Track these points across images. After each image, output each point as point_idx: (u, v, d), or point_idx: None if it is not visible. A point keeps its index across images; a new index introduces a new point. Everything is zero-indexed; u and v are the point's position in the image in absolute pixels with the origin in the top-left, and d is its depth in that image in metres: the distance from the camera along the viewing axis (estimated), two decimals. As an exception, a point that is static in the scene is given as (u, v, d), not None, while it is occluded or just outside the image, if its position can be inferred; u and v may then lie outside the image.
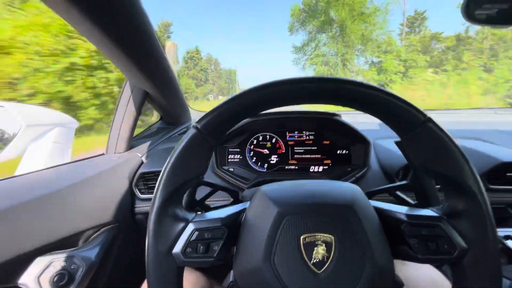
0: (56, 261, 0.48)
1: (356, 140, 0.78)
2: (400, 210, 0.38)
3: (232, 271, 0.42)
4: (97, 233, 0.61)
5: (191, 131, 0.34)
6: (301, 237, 0.33)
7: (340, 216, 0.34)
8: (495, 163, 0.67)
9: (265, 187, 0.41)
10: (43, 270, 0.46)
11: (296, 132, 0.83)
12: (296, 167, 0.81)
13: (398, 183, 0.49)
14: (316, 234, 0.33)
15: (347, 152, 0.80)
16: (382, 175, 0.76)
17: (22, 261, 0.46)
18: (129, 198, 0.73)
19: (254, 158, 0.82)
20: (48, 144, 0.78)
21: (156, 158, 0.84)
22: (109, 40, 0.57)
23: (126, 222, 0.70)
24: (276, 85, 0.34)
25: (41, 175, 0.64)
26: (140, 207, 0.74)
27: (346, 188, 0.39)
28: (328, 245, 0.33)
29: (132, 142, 0.92)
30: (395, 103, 0.32)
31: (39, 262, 0.47)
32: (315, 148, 0.81)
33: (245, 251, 0.36)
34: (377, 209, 0.38)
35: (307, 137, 0.82)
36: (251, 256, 0.34)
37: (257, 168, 0.82)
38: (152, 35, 0.63)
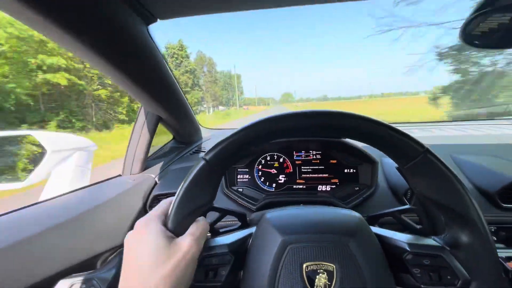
0: (76, 284, 0.51)
1: (363, 159, 0.78)
2: (403, 238, 0.39)
3: None
4: (113, 255, 0.64)
5: (200, 163, 0.36)
6: (304, 265, 0.35)
7: (342, 245, 0.36)
8: (507, 181, 0.66)
9: (270, 215, 0.43)
10: (65, 293, 0.50)
11: (303, 151, 0.84)
12: (304, 187, 0.82)
13: (401, 207, 0.49)
14: (318, 263, 0.35)
15: (354, 171, 0.80)
16: (390, 194, 0.76)
17: (47, 284, 0.49)
18: None
19: (263, 178, 0.84)
20: (71, 168, 0.83)
21: (169, 179, 0.87)
22: (122, 73, 0.61)
23: None
24: (284, 119, 0.36)
25: (63, 200, 0.69)
26: None
27: (349, 217, 0.41)
28: (329, 273, 0.34)
29: (147, 162, 0.97)
30: (392, 134, 0.33)
31: (62, 285, 0.50)
32: (322, 167, 0.82)
33: (251, 277, 0.38)
34: (379, 237, 0.39)
35: (314, 156, 0.83)
36: (256, 282, 0.36)
37: (265, 187, 0.83)
38: (162, 63, 0.68)
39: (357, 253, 0.35)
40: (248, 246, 0.43)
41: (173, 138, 1.23)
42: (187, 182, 0.35)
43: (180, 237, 0.34)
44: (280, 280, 0.34)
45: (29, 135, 0.76)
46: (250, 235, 0.44)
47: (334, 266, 0.34)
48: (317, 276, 0.34)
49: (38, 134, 0.77)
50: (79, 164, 0.87)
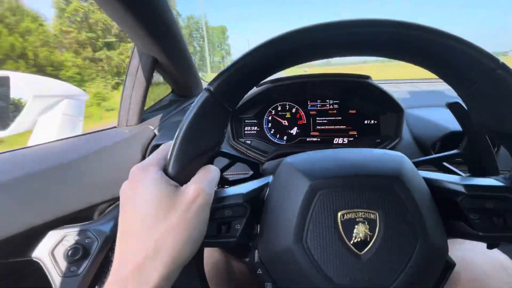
0: (69, 235, 0.46)
1: (387, 108, 0.70)
2: (456, 180, 0.32)
3: (256, 252, 0.37)
4: (111, 206, 0.59)
5: (203, 95, 0.27)
6: (339, 214, 0.28)
7: (386, 189, 0.29)
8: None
9: (291, 158, 0.36)
10: (57, 244, 0.44)
11: (318, 101, 0.75)
12: (319, 139, 0.75)
13: (448, 153, 0.42)
14: (357, 210, 0.28)
15: (375, 122, 0.72)
16: (415, 147, 0.68)
17: (34, 235, 0.44)
18: None
19: (273, 130, 0.76)
20: (58, 117, 0.75)
21: (169, 130, 0.80)
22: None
23: None
24: (315, 31, 0.26)
25: (52, 146, 0.62)
26: None
27: (391, 157, 0.33)
28: (371, 222, 0.27)
29: (144, 115, 0.88)
30: (461, 48, 0.24)
31: (52, 236, 0.45)
32: (340, 118, 0.74)
33: (271, 231, 0.31)
34: (427, 180, 0.32)
35: (331, 106, 0.74)
36: (279, 236, 0.30)
37: (275, 140, 0.76)
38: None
39: (404, 198, 0.28)
40: (265, 196, 0.36)
41: (172, 91, 1.13)
42: (189, 119, 0.27)
43: (186, 185, 0.27)
44: (309, 231, 0.28)
45: (8, 77, 0.66)
46: (266, 184, 0.37)
47: (377, 214, 0.28)
48: (356, 226, 0.27)
49: (16, 76, 0.67)
50: (68, 113, 0.78)
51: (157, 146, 0.71)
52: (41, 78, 0.75)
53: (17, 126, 0.70)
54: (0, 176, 0.44)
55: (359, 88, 0.71)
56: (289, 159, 0.36)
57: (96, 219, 0.53)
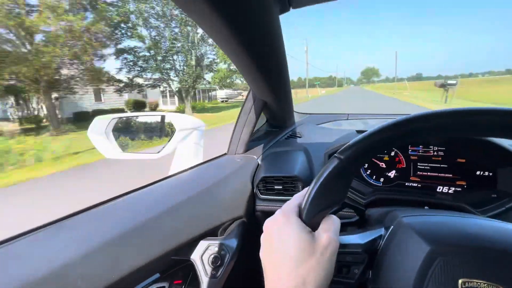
0: (211, 246, 0.61)
1: (506, 161, 0.65)
2: None
3: None
4: (231, 225, 0.73)
5: (335, 161, 0.36)
6: (460, 281, 0.31)
7: (510, 264, 0.31)
8: None
9: (409, 219, 0.41)
10: (204, 251, 0.60)
11: (420, 146, 0.75)
12: (419, 185, 0.74)
13: None
14: (480, 281, 0.31)
15: (490, 174, 0.68)
16: None
17: (192, 243, 0.61)
18: (251, 197, 0.84)
19: (369, 170, 0.80)
20: (191, 144, 0.97)
21: (270, 162, 0.93)
22: (246, 58, 0.62)
23: (250, 218, 0.81)
24: (441, 116, 0.33)
25: (189, 175, 0.82)
26: (260, 205, 0.84)
27: None
28: None
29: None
30: None
31: (202, 245, 0.61)
32: (445, 166, 0.72)
33: (388, 281, 0.37)
34: None
35: (435, 153, 0.73)
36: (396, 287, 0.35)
37: (371, 181, 0.79)
38: (283, 52, 0.69)
39: None
40: (378, 246, 0.42)
41: (266, 121, 1.29)
42: (322, 178, 0.36)
43: (318, 232, 0.35)
44: None
45: (164, 115, 0.91)
46: (380, 236, 0.43)
47: None
48: None
49: (169, 115, 0.91)
50: (195, 141, 1.00)
51: (264, 178, 0.85)
52: (181, 115, 0.99)
53: (165, 151, 0.94)
54: (173, 197, 0.63)
55: (469, 139, 0.68)
56: (406, 219, 0.41)
57: (225, 235, 0.68)
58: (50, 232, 0.49)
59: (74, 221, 0.53)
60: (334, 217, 0.38)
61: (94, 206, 0.58)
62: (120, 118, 0.95)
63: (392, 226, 0.42)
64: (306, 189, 0.40)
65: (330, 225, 0.36)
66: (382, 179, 0.78)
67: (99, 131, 0.94)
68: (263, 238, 0.39)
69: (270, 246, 0.36)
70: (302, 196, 0.40)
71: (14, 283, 0.38)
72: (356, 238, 0.42)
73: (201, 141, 1.05)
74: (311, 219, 0.36)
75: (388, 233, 0.42)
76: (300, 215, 0.37)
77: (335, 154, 0.36)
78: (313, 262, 0.33)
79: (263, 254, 0.38)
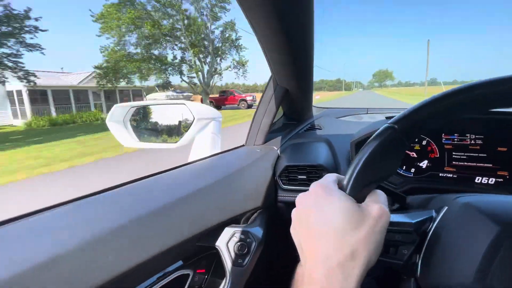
0: (237, 233, 0.58)
1: None
2: None
3: (413, 281, 0.40)
4: (254, 215, 0.70)
5: (387, 130, 0.33)
6: None
7: None
8: None
9: (468, 199, 0.37)
10: (230, 238, 0.57)
11: (455, 134, 0.71)
12: (455, 176, 0.70)
13: None
14: None
15: None
16: None
17: (217, 229, 0.58)
18: (273, 187, 0.81)
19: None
20: (209, 135, 0.95)
21: (291, 153, 0.89)
22: (276, 38, 0.59)
23: (272, 208, 0.78)
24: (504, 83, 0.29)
25: (208, 162, 0.79)
26: (282, 196, 0.81)
27: None
28: None
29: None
30: None
31: (227, 232, 0.58)
32: (485, 155, 0.67)
33: (444, 265, 0.33)
34: None
35: (472, 141, 0.69)
36: (454, 272, 0.31)
37: (401, 171, 0.75)
38: (312, 38, 0.66)
39: None
40: (428, 229, 0.38)
41: (283, 114, 1.26)
42: (372, 148, 0.32)
43: (366, 204, 0.32)
44: (495, 274, 0.28)
45: (184, 104, 0.89)
46: (430, 218, 0.39)
47: None
48: None
49: (189, 104, 0.89)
50: (214, 132, 0.98)
51: (287, 167, 0.81)
52: (200, 104, 0.97)
53: (183, 141, 0.92)
54: (194, 182, 0.60)
55: (510, 125, 0.64)
56: (465, 199, 0.37)
57: (250, 223, 0.65)
58: (72, 210, 0.47)
59: (95, 200, 0.51)
60: (380, 191, 0.35)
61: (114, 187, 0.56)
62: (140, 106, 0.94)
63: (446, 207, 0.38)
64: (334, 174, 0.37)
65: (380, 198, 0.33)
66: (413, 170, 0.74)
67: (118, 119, 0.93)
68: (295, 213, 0.36)
69: (307, 219, 0.33)
70: (336, 176, 0.37)
71: (28, 261, 0.35)
72: (405, 217, 0.39)
73: (218, 132, 1.03)
74: (356, 193, 0.33)
75: (441, 215, 0.38)
76: (342, 188, 0.34)
77: (388, 123, 0.33)
78: (363, 233, 0.29)
79: (297, 229, 0.34)
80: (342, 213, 0.30)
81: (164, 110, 1.00)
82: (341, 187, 0.34)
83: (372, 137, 0.34)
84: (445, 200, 0.41)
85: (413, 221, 0.38)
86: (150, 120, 1.01)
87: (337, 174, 0.38)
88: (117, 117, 0.92)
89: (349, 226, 0.30)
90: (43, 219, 0.43)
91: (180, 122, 0.97)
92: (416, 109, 0.33)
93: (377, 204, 0.32)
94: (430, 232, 0.38)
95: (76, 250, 0.37)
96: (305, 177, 0.78)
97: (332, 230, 0.30)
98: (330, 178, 0.37)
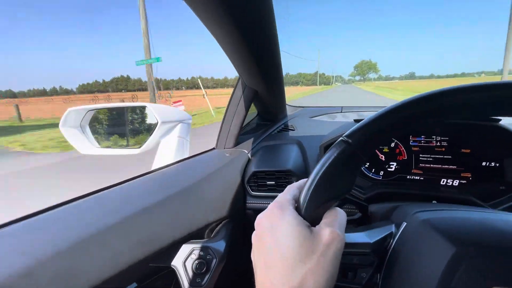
0: (196, 250, 0.54)
1: None
2: None
3: None
4: (218, 226, 0.66)
5: (341, 145, 0.30)
6: None
7: None
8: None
9: (425, 215, 0.35)
10: (187, 257, 0.53)
11: (422, 136, 0.70)
12: (422, 178, 0.69)
13: None
14: None
15: (497, 165, 0.63)
16: None
17: (173, 247, 0.53)
18: (242, 194, 0.77)
19: (368, 163, 0.74)
20: (175, 138, 0.89)
21: (262, 156, 0.86)
22: (234, 38, 0.56)
23: (239, 217, 0.75)
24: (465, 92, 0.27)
25: (171, 171, 0.74)
26: (251, 203, 0.77)
27: None
28: None
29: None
30: None
31: (184, 249, 0.54)
32: (449, 157, 0.67)
33: (404, 285, 0.31)
34: None
35: (438, 143, 0.68)
36: None
37: (370, 174, 0.74)
38: (275, 36, 0.62)
39: None
40: (388, 246, 0.36)
41: (257, 114, 1.22)
42: (326, 165, 0.30)
43: (319, 228, 0.29)
44: None
45: (145, 106, 0.83)
46: (390, 234, 0.37)
47: None
48: None
49: (151, 106, 0.83)
50: (181, 135, 0.92)
51: (255, 173, 0.78)
52: (165, 106, 0.91)
53: (146, 146, 0.86)
54: (141, 200, 0.55)
55: (473, 127, 0.63)
56: (422, 215, 0.35)
57: (212, 238, 0.61)
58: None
59: (36, 221, 0.45)
60: (338, 209, 0.32)
61: (58, 205, 0.50)
62: (97, 109, 0.86)
63: (405, 223, 0.36)
64: (302, 180, 0.34)
65: (334, 219, 0.30)
66: (381, 172, 0.73)
67: (73, 124, 0.85)
68: (254, 236, 0.33)
69: (262, 245, 0.30)
70: (297, 188, 0.34)
71: None
72: (363, 237, 0.36)
73: (186, 135, 0.98)
74: (311, 213, 0.30)
75: (400, 231, 0.36)
76: (297, 208, 0.31)
77: (342, 138, 0.30)
78: (312, 263, 0.27)
79: (254, 254, 0.31)
80: (293, 241, 0.27)
81: (124, 113, 0.93)
82: (298, 205, 0.32)
83: (327, 152, 0.31)
84: (405, 213, 0.39)
85: (371, 241, 0.36)
86: (111, 123, 0.93)
87: (298, 186, 0.35)
88: (72, 122, 0.85)
89: (298, 256, 0.27)
90: None
91: (142, 125, 0.91)
92: (371, 121, 0.30)
93: (329, 228, 0.29)
94: (390, 249, 0.36)
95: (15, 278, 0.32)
96: (273, 182, 0.76)
97: (282, 260, 0.27)
98: (288, 195, 0.33)
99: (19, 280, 0.34)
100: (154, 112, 0.84)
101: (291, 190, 0.34)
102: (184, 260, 0.53)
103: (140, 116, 0.88)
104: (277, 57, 0.71)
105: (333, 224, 0.29)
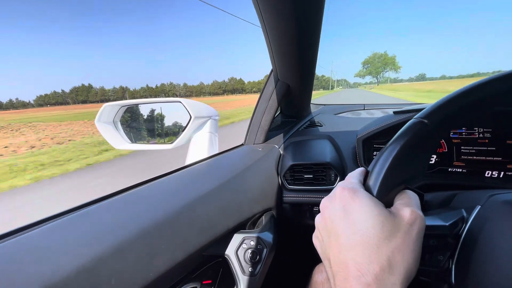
0: (246, 240, 0.54)
1: None
2: None
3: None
4: (261, 218, 0.66)
5: (416, 125, 0.30)
6: None
7: None
8: None
9: (505, 197, 0.34)
10: (239, 246, 0.53)
11: (463, 128, 0.69)
12: (464, 170, 0.68)
13: None
14: None
15: None
16: None
17: (225, 237, 0.53)
18: (278, 187, 0.77)
19: None
20: (206, 134, 0.90)
21: (294, 151, 0.86)
22: (284, 28, 0.57)
23: (278, 209, 0.74)
24: None
25: (209, 164, 0.74)
26: (287, 197, 0.77)
27: None
28: None
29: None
30: None
31: (235, 239, 0.54)
32: (493, 148, 0.66)
33: (484, 270, 0.30)
34: None
35: (480, 135, 0.68)
36: (502, 280, 0.29)
37: None
38: (319, 30, 0.62)
39: None
40: (461, 231, 0.35)
41: (280, 112, 1.22)
42: (400, 146, 0.29)
43: (397, 208, 0.29)
44: None
45: (179, 101, 0.83)
46: (462, 218, 0.36)
47: None
48: None
49: (185, 101, 0.84)
50: (211, 131, 0.93)
51: (293, 166, 0.78)
52: (197, 102, 0.91)
53: (179, 141, 0.87)
54: (197, 186, 0.55)
55: None
56: (502, 197, 0.35)
57: (258, 228, 0.61)
58: (67, 224, 0.41)
59: (88, 213, 0.45)
60: (410, 191, 0.32)
61: (109, 195, 0.50)
62: (131, 105, 0.87)
63: (479, 206, 0.35)
64: (360, 168, 0.35)
65: (410, 200, 0.30)
66: None
67: (107, 120, 0.86)
68: (321, 220, 0.32)
69: (334, 228, 0.30)
70: (360, 174, 0.34)
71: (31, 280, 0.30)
72: (437, 219, 0.36)
73: (215, 131, 0.98)
74: (385, 196, 0.30)
75: (474, 215, 0.35)
76: (369, 191, 0.30)
77: (417, 117, 0.30)
78: (398, 241, 0.26)
79: (323, 239, 0.31)
80: (373, 220, 0.27)
81: (157, 109, 0.93)
82: (367, 188, 0.31)
83: (399, 132, 0.31)
84: (474, 198, 0.39)
85: (447, 224, 0.35)
86: (143, 119, 0.94)
87: (360, 172, 0.35)
88: (107, 117, 0.85)
89: (382, 234, 0.26)
90: (33, 236, 0.37)
91: (176, 121, 0.91)
92: (448, 100, 0.30)
93: (409, 207, 0.28)
94: (463, 235, 0.35)
95: (72, 273, 0.32)
96: (311, 176, 0.75)
97: (363, 239, 0.27)
98: (355, 179, 0.33)
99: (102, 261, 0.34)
100: (188, 108, 0.85)
101: (354, 175, 0.34)
102: (237, 249, 0.52)
103: (175, 113, 0.89)
104: (315, 50, 0.71)
105: (412, 204, 0.29)
